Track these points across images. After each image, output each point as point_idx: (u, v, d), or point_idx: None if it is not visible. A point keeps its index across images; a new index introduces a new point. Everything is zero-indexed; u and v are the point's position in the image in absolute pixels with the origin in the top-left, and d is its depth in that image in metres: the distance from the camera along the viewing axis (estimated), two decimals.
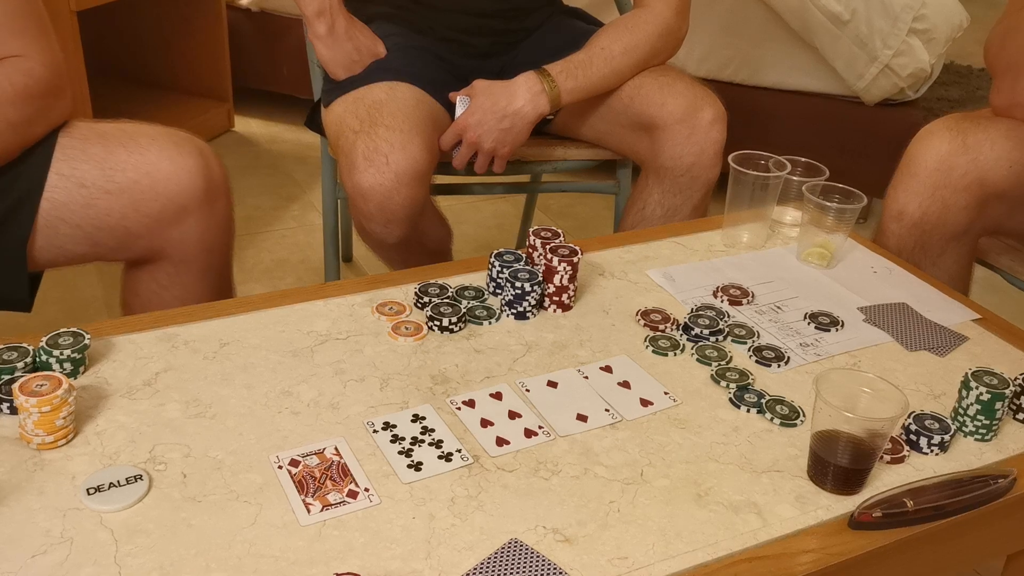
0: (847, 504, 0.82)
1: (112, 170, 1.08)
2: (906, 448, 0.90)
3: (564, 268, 1.07)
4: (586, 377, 0.98)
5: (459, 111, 1.42)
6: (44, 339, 0.90)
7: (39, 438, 0.80)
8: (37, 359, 0.89)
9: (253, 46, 2.79)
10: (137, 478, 0.78)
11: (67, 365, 0.89)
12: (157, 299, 1.16)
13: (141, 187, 1.08)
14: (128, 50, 2.81)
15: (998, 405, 0.91)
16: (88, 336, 0.91)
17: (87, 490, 0.76)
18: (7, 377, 0.87)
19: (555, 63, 1.41)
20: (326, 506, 0.77)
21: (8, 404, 0.84)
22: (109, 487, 0.77)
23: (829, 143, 2.39)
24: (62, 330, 0.92)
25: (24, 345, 0.90)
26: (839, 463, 0.83)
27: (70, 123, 1.13)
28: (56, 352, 0.89)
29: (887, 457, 0.88)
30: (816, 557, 0.78)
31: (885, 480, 0.86)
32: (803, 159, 1.29)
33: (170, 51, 2.76)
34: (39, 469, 0.79)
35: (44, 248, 1.08)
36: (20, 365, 0.87)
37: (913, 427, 0.91)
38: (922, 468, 0.88)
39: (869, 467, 0.84)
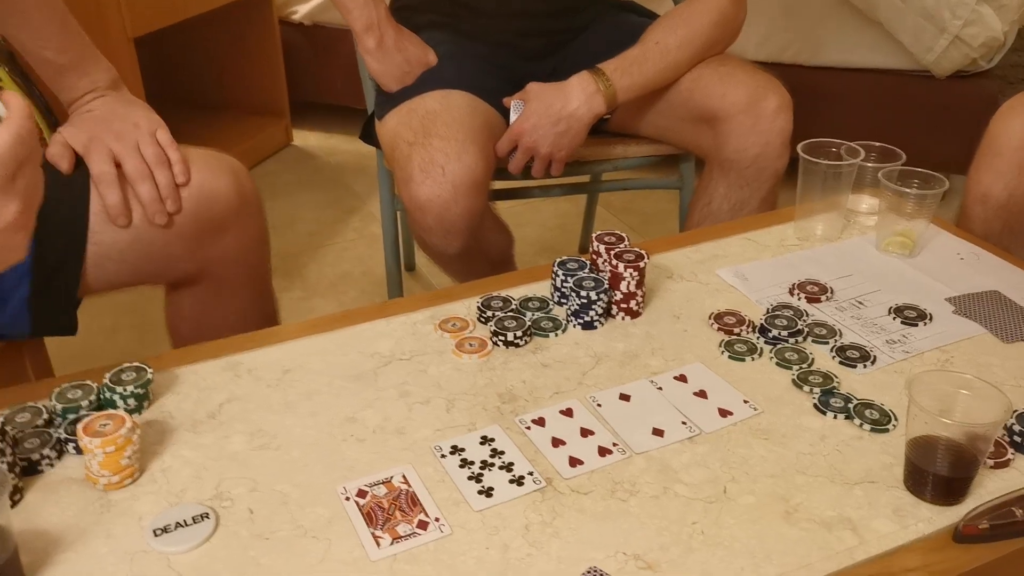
0: (950, 515, 0.77)
1: None
2: (1011, 451, 0.83)
3: (631, 274, 1.03)
4: (660, 388, 0.93)
5: (514, 116, 1.39)
6: (107, 376, 0.89)
7: (105, 479, 0.79)
8: (102, 396, 0.89)
9: (306, 60, 2.80)
10: (204, 516, 0.76)
11: (131, 401, 0.88)
12: (202, 318, 1.16)
13: (183, 213, 1.08)
14: (185, 73, 2.85)
15: None
16: (151, 371, 0.90)
17: (154, 531, 0.74)
18: (72, 416, 0.86)
19: (609, 61, 1.37)
20: (396, 539, 0.75)
21: (75, 444, 0.83)
22: (176, 527, 0.75)
23: (901, 120, 2.30)
24: (125, 365, 0.91)
25: (88, 383, 0.89)
26: (939, 472, 0.77)
27: None
28: (120, 389, 0.88)
29: (990, 461, 0.82)
30: None
31: (990, 487, 0.80)
32: (877, 144, 1.23)
33: (226, 71, 2.79)
34: (106, 511, 0.77)
35: (90, 281, 1.08)
36: (84, 404, 0.87)
37: (1017, 427, 0.84)
38: None
39: (972, 475, 0.78)
